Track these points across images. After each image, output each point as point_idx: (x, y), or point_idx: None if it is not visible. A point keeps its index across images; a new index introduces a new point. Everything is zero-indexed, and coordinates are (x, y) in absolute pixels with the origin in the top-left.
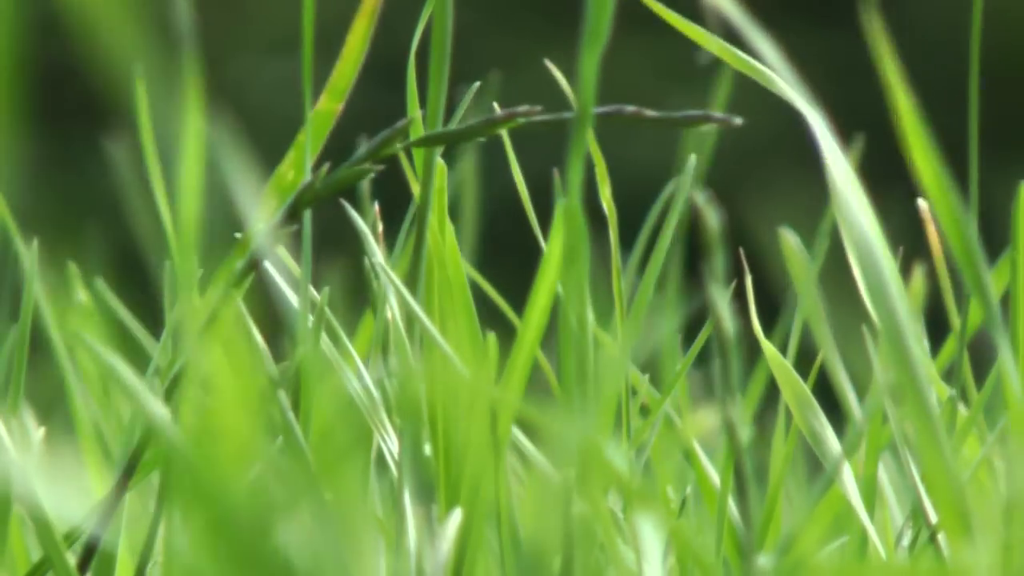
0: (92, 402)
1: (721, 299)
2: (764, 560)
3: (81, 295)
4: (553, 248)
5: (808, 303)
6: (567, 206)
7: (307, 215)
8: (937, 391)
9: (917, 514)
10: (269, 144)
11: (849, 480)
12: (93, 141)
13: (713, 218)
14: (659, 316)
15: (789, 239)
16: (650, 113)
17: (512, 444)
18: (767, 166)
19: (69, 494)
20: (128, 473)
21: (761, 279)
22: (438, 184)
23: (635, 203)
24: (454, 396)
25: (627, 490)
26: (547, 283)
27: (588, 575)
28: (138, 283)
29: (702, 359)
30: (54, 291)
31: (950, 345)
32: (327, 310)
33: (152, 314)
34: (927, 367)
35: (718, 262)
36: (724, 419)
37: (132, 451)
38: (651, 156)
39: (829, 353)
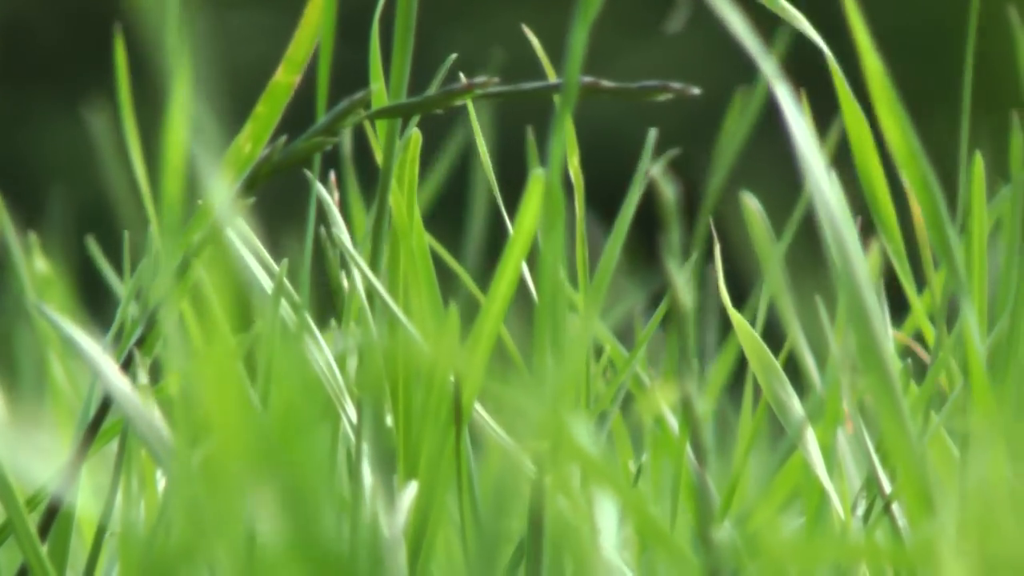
0: (60, 366)
1: (678, 272)
2: (721, 532)
3: (40, 263)
4: (524, 219)
5: (772, 271)
6: (548, 179)
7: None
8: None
9: (872, 484)
10: (233, 97)
11: (812, 447)
12: (54, 100)
13: (669, 191)
14: (634, 285)
15: (751, 204)
16: (607, 84)
17: (475, 417)
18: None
19: (33, 458)
20: (87, 441)
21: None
22: (411, 154)
23: (598, 165)
24: (414, 367)
25: (586, 462)
26: (516, 254)
27: (548, 545)
28: (100, 243)
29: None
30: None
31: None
32: (286, 281)
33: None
34: (888, 336)
35: (675, 235)
36: (681, 391)
37: (91, 420)
38: (613, 113)
39: (790, 321)
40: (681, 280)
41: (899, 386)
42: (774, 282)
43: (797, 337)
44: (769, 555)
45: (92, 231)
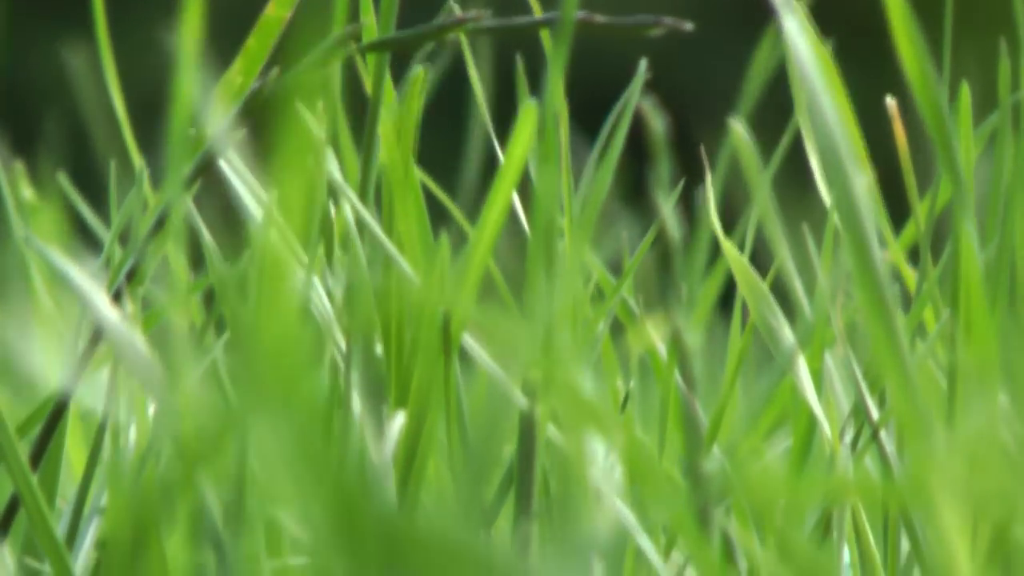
0: (48, 298)
1: (666, 205)
2: (710, 461)
3: (27, 192)
4: (515, 150)
5: (760, 195)
6: (546, 114)
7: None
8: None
9: (859, 411)
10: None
11: (801, 371)
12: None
13: (658, 124)
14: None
15: (738, 130)
16: (599, 18)
17: (466, 348)
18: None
19: (22, 387)
20: (77, 373)
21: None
22: (414, 91)
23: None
24: (404, 298)
25: (575, 398)
26: (506, 185)
27: (538, 473)
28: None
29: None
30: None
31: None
32: (276, 211)
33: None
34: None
35: (663, 168)
36: (670, 324)
37: (81, 352)
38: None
39: (778, 243)
40: (669, 212)
41: (893, 302)
42: (762, 205)
43: (785, 260)
44: (755, 492)
45: (85, 157)
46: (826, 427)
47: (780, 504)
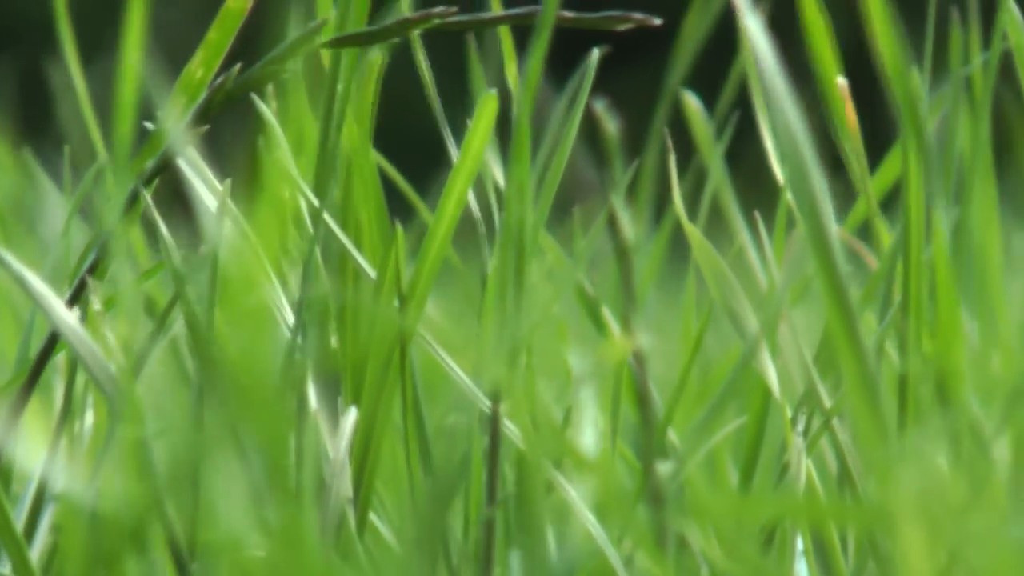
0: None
1: (619, 207)
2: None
3: None
4: (473, 140)
5: (714, 167)
6: (520, 108)
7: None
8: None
9: (811, 398)
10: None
11: (761, 352)
12: None
13: (612, 126)
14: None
15: (691, 102)
16: (567, 14)
17: (422, 340)
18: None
19: None
20: (29, 387)
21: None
22: (371, 78)
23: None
24: (360, 289)
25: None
26: (463, 175)
27: (500, 469)
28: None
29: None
30: None
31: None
32: (230, 202)
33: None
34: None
35: (617, 169)
36: (623, 324)
37: (40, 352)
38: None
39: (735, 220)
40: (623, 216)
41: (845, 277)
42: (716, 177)
43: (741, 233)
44: (708, 512)
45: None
46: (777, 393)
47: (733, 518)
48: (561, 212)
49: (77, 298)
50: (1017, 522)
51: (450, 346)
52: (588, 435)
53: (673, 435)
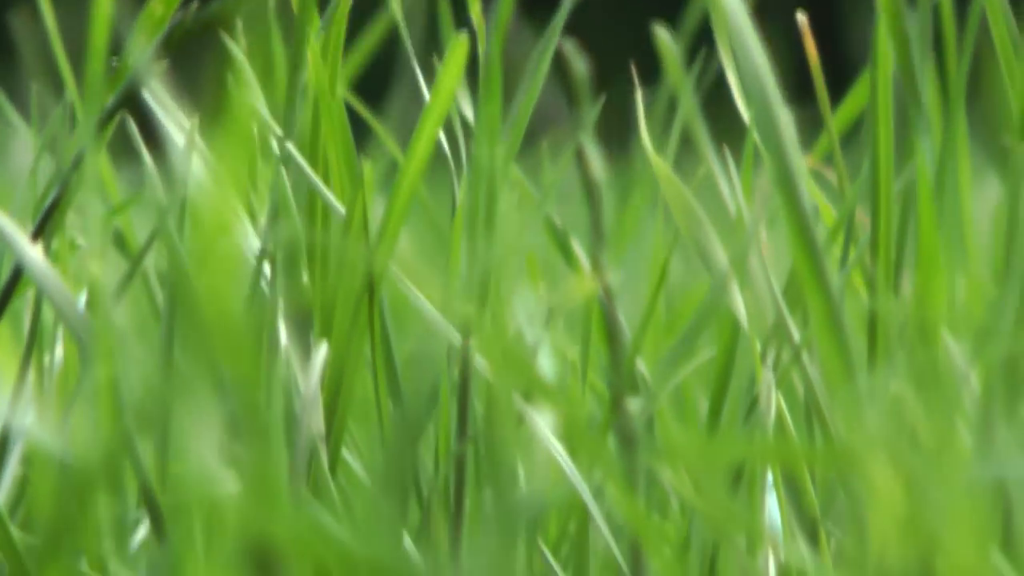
0: None
1: (589, 146)
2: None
3: None
4: (443, 82)
5: (684, 100)
6: (489, 51)
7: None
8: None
9: (780, 332)
10: None
11: (730, 286)
12: None
13: (580, 66)
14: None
15: (663, 37)
16: None
17: (392, 277)
18: None
19: None
20: None
21: None
22: (340, 10)
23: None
24: (329, 226)
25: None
26: (433, 116)
27: (469, 403)
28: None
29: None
30: None
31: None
32: (198, 138)
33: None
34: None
35: (586, 109)
36: (592, 260)
37: (4, 286)
38: None
39: (706, 154)
40: (593, 155)
41: (809, 211)
42: (686, 110)
43: (710, 162)
44: (678, 454)
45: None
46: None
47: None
48: (529, 144)
49: (42, 231)
50: (983, 460)
51: (420, 281)
52: (557, 368)
53: (642, 366)
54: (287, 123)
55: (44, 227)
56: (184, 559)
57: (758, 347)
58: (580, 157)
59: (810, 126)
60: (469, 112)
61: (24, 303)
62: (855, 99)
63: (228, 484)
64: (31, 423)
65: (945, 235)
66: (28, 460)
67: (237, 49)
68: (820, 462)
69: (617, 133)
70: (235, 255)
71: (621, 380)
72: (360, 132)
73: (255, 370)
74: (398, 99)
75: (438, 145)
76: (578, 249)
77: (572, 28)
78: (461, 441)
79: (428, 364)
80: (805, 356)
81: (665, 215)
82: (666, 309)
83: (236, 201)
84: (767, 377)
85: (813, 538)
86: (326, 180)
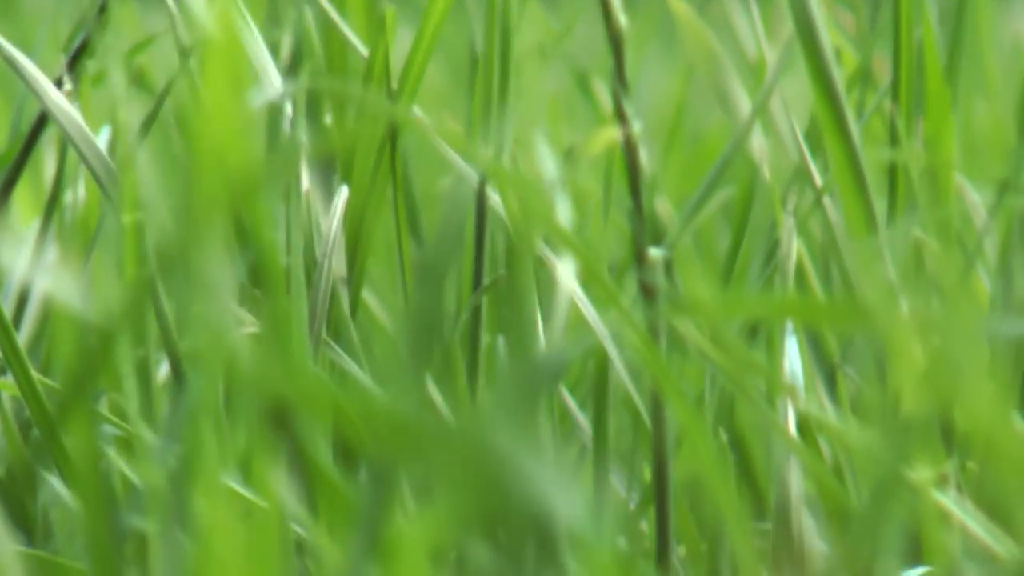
0: None
1: None
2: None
3: None
4: None
5: None
6: None
7: None
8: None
9: (802, 174)
10: None
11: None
12: None
13: None
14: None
15: None
16: None
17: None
18: None
19: None
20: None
21: None
22: None
23: None
24: (351, 67)
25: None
26: None
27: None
28: None
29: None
30: None
31: None
32: None
33: None
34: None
35: None
36: (616, 108)
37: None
38: None
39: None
40: (617, 4)
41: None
42: None
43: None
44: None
45: None
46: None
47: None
48: None
49: (68, 73)
50: (1001, 313)
51: (440, 125)
52: (576, 211)
53: (663, 206)
54: None
55: (72, 68)
56: (202, 405)
57: (778, 192)
58: (604, 4)
59: None
60: None
61: (45, 148)
62: None
63: (247, 329)
64: (53, 269)
65: (955, 75)
66: (49, 305)
67: None
68: (840, 316)
69: None
70: (251, 98)
71: (643, 233)
72: None
73: (272, 212)
74: None
75: None
76: (599, 90)
77: None
78: (476, 288)
79: (454, 205)
80: (826, 201)
81: (683, 58)
82: (687, 146)
83: (253, 40)
84: (787, 222)
85: (831, 385)
86: (344, 16)
